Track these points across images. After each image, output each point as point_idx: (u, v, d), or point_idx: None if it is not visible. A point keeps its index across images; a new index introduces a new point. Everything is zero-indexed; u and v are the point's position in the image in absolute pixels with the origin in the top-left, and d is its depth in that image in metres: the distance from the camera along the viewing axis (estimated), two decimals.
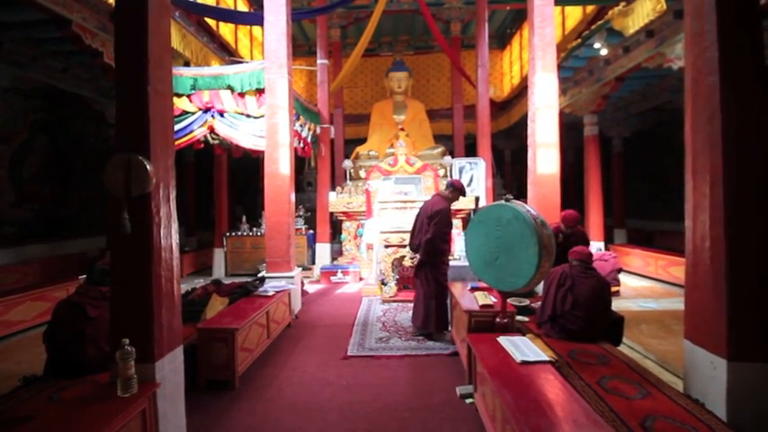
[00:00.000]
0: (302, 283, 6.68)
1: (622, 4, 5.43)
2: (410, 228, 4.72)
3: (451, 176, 9.27)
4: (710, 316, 2.28)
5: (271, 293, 4.42)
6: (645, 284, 7.07)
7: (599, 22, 5.94)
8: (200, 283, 5.90)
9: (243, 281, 5.13)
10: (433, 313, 4.32)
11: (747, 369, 2.15)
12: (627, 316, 3.43)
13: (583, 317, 2.97)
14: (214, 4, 8.84)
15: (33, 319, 5.04)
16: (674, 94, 7.13)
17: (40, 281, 5.96)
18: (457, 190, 4.43)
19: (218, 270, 8.60)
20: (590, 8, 8.29)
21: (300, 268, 5.82)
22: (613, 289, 5.82)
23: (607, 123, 9.05)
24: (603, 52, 6.11)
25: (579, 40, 6.45)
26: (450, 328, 4.36)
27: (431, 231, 4.25)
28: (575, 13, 9.23)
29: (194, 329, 3.40)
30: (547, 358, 2.43)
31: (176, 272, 2.45)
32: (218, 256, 8.67)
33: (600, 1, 7.29)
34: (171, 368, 2.36)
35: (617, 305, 3.67)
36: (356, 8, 10.71)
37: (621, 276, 7.48)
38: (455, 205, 8.25)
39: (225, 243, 8.61)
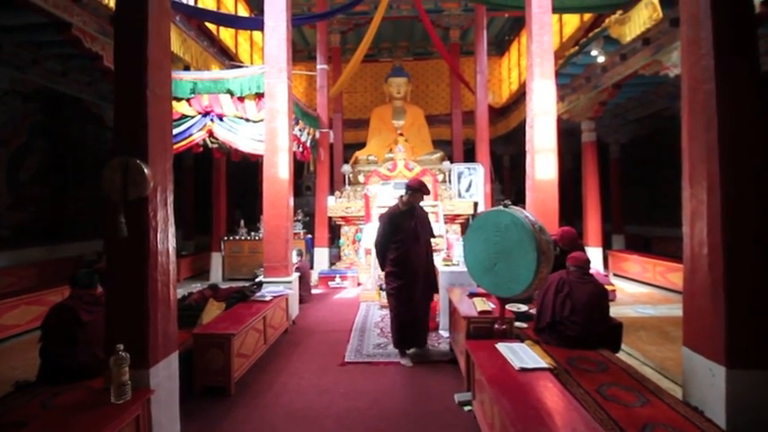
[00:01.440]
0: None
1: (619, 12, 5.48)
2: None
3: (450, 182, 9.28)
4: (709, 323, 2.28)
5: (268, 298, 4.40)
6: (643, 290, 7.06)
7: (596, 30, 5.98)
8: (196, 287, 5.88)
9: (240, 285, 5.12)
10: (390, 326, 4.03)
11: (746, 376, 2.14)
12: (625, 322, 3.42)
13: (581, 323, 2.96)
14: (215, 9, 8.89)
15: (28, 324, 4.99)
16: (670, 100, 7.19)
17: (36, 284, 5.92)
18: (417, 191, 3.86)
19: (216, 274, 8.57)
20: (587, 16, 8.37)
21: (298, 273, 5.79)
22: None
23: (604, 130, 9.11)
24: (601, 60, 6.16)
25: (577, 48, 6.50)
26: (410, 350, 3.97)
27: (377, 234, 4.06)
28: (572, 21, 9.31)
29: (190, 335, 3.37)
30: (545, 365, 2.42)
31: (173, 276, 2.44)
32: (216, 260, 8.64)
33: (597, 9, 7.36)
34: (166, 374, 2.34)
35: (615, 311, 3.66)
36: (356, 14, 10.78)
37: (619, 282, 7.49)
38: (454, 211, 8.42)
39: (223, 247, 8.58)
